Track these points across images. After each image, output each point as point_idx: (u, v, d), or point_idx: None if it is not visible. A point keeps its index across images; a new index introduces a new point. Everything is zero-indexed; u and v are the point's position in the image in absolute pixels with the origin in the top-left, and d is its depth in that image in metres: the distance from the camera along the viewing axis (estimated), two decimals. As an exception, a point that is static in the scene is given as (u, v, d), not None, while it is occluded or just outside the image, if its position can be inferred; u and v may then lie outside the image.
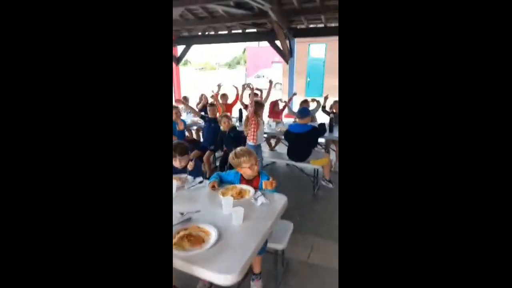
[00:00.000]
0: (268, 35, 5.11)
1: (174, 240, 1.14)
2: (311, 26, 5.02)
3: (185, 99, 4.46)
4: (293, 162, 3.06)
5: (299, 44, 11.19)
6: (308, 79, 11.69)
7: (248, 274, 1.71)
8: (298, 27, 5.08)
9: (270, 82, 3.92)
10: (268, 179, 1.68)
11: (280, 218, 1.58)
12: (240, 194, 1.58)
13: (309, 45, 11.62)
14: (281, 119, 4.07)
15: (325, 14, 4.36)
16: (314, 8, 4.20)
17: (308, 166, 3.01)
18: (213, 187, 1.65)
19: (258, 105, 2.87)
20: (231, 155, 1.74)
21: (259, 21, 4.67)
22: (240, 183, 1.74)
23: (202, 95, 4.58)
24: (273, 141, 4.20)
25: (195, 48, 6.39)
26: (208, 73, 22.07)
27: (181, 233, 1.19)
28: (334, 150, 3.66)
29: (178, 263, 1.05)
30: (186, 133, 3.93)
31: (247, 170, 1.67)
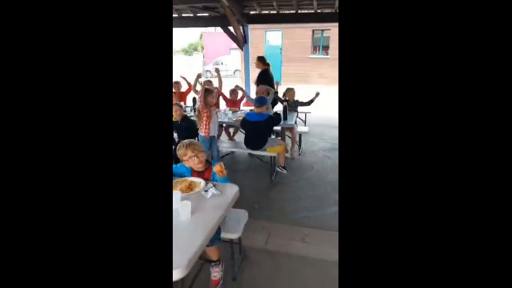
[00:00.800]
0: (221, 20, 4.94)
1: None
2: (265, 12, 4.97)
3: None
4: (251, 151, 3.07)
5: (256, 31, 11.16)
6: (266, 67, 11.74)
7: (205, 263, 1.71)
8: (251, 12, 4.99)
9: (217, 70, 3.82)
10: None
11: (234, 208, 1.59)
12: (190, 187, 1.54)
13: (265, 32, 11.59)
14: (239, 108, 4.03)
15: (276, 1, 4.35)
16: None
17: (265, 154, 3.05)
18: None
19: (207, 93, 2.77)
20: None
21: (210, 4, 4.47)
22: (191, 175, 1.69)
23: None
24: (231, 130, 4.16)
25: None
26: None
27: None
28: (289, 137, 3.75)
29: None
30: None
31: (190, 162, 1.62)
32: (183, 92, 4.14)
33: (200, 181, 1.59)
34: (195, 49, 29.16)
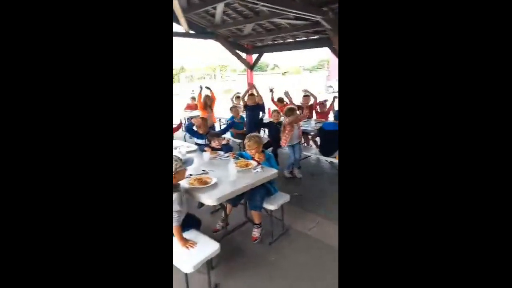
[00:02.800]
0: (328, 41, 5.43)
1: (190, 181, 1.91)
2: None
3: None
4: (323, 156, 3.43)
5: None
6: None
7: (250, 223, 2.34)
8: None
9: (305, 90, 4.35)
10: (266, 164, 2.26)
11: (282, 192, 2.26)
12: (246, 165, 2.24)
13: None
14: (327, 119, 4.39)
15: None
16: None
17: (333, 160, 3.32)
18: (232, 154, 2.45)
19: (289, 112, 3.40)
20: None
21: (319, 29, 5.07)
22: (252, 159, 2.39)
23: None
24: (318, 139, 4.55)
25: (283, 54, 7.20)
26: (291, 77, 22.96)
27: (196, 178, 1.96)
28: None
29: (189, 194, 1.81)
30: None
31: (250, 151, 2.32)
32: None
33: (254, 163, 2.26)
34: (322, 67, 30.11)
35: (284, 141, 3.51)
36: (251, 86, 4.79)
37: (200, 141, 3.28)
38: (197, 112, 5.04)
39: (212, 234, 2.29)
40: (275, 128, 3.73)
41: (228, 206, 2.33)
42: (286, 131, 3.46)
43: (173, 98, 0.95)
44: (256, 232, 2.28)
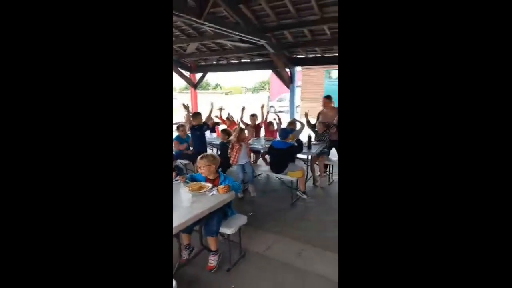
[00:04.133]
0: (272, 64, 5.77)
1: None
2: (310, 55, 5.59)
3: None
4: (274, 174, 3.49)
5: (316, 71, 11.88)
6: (325, 102, 12.17)
7: (206, 251, 2.17)
8: (298, 56, 5.67)
9: (262, 106, 4.52)
10: (226, 183, 2.16)
11: (238, 212, 2.17)
12: (200, 188, 2.10)
13: (325, 71, 12.18)
14: (275, 137, 4.54)
15: (318, 47, 4.93)
16: (307, 42, 4.81)
17: (285, 177, 3.42)
18: (181, 179, 2.22)
19: (241, 131, 3.44)
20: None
21: (263, 52, 5.36)
22: (205, 181, 2.26)
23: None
24: (268, 157, 4.66)
25: (226, 74, 7.24)
26: (234, 96, 23.47)
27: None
28: (317, 165, 4.00)
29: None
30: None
31: (203, 170, 2.19)
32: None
33: (208, 185, 2.14)
34: (263, 87, 31.77)
35: (233, 159, 3.48)
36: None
37: None
38: None
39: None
40: (225, 147, 3.67)
41: (184, 236, 2.13)
42: (235, 150, 3.45)
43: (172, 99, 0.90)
44: (212, 261, 2.12)
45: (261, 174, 4.19)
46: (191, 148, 4.23)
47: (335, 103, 4.17)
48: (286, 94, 17.32)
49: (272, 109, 16.22)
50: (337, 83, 12.59)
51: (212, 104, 4.44)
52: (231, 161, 3.50)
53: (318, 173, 4.01)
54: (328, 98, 4.22)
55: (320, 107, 4.32)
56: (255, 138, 4.36)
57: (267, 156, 4.67)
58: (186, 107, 4.35)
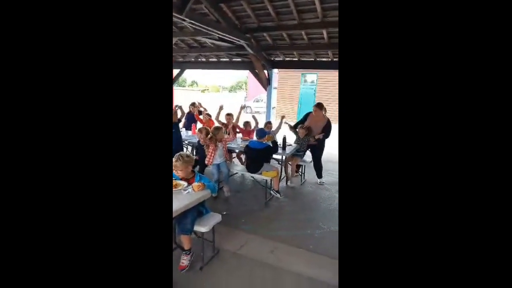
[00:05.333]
0: (250, 65, 5.81)
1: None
2: (287, 59, 5.72)
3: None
4: (249, 173, 3.54)
5: (293, 72, 12.18)
6: (300, 105, 12.49)
7: (179, 249, 2.14)
8: (276, 59, 5.79)
9: (241, 107, 4.55)
10: (200, 181, 2.16)
11: (214, 212, 2.17)
12: (175, 186, 2.07)
13: (302, 74, 12.53)
14: (252, 138, 4.59)
15: (296, 50, 5.07)
16: (285, 45, 4.93)
17: (260, 177, 3.48)
18: None
19: (216, 130, 3.43)
20: None
21: (242, 52, 5.38)
22: (180, 179, 2.23)
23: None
24: (243, 156, 4.69)
25: (203, 72, 7.11)
26: (211, 94, 23.19)
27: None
28: (290, 165, 4.13)
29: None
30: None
31: (179, 172, 2.16)
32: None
33: (183, 184, 2.12)
34: (240, 87, 31.78)
35: (208, 159, 3.46)
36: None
37: None
38: None
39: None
40: (201, 147, 3.64)
41: None
42: (210, 149, 3.44)
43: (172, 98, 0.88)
44: (184, 260, 2.10)
45: (236, 173, 4.21)
46: None
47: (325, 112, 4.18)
48: (263, 95, 17.61)
49: (248, 110, 16.34)
50: (312, 87, 13.14)
51: (221, 107, 4.31)
52: (206, 162, 3.48)
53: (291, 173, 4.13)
54: (318, 106, 4.13)
55: (294, 109, 4.42)
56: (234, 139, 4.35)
57: (242, 156, 4.71)
58: (180, 107, 4.26)
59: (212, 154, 3.45)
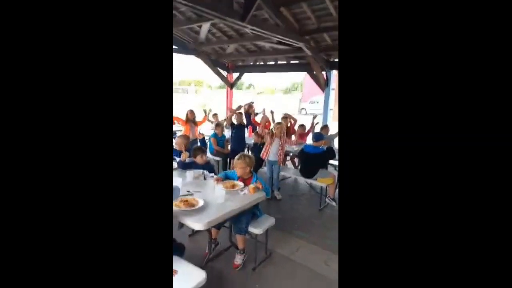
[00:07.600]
0: (308, 66, 5.71)
1: (176, 203, 1.79)
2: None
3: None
4: (304, 178, 3.47)
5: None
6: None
7: (234, 248, 2.23)
8: (335, 60, 5.54)
9: (271, 112, 4.53)
10: (257, 181, 2.21)
11: (267, 215, 2.23)
12: (233, 186, 2.17)
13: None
14: (305, 141, 4.50)
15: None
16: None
17: (315, 183, 3.37)
18: (216, 180, 2.27)
19: (277, 124, 3.50)
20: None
21: (300, 54, 5.33)
22: (237, 179, 2.32)
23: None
24: (296, 160, 4.63)
25: (258, 75, 7.37)
26: (266, 96, 23.57)
27: (182, 200, 1.84)
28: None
29: (175, 216, 1.69)
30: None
31: (238, 170, 2.25)
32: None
33: (241, 184, 2.20)
34: (296, 89, 31.45)
35: (264, 153, 3.51)
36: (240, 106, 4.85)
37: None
38: (178, 127, 4.88)
39: (196, 260, 2.14)
40: (258, 149, 3.73)
41: (213, 230, 2.21)
42: (267, 144, 3.48)
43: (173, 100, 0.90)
44: (238, 259, 2.17)
45: (290, 177, 4.18)
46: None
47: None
48: (319, 96, 17.13)
49: (303, 111, 16.04)
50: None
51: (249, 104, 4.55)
52: (261, 155, 3.54)
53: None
54: None
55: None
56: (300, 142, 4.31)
57: (295, 159, 4.66)
58: (209, 111, 4.57)
59: (268, 148, 3.49)
